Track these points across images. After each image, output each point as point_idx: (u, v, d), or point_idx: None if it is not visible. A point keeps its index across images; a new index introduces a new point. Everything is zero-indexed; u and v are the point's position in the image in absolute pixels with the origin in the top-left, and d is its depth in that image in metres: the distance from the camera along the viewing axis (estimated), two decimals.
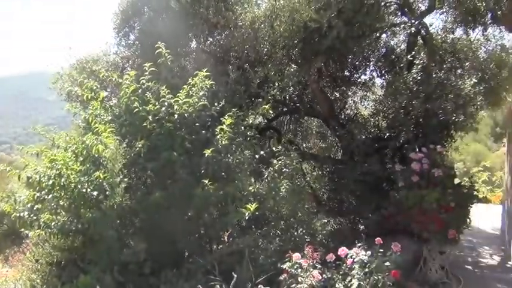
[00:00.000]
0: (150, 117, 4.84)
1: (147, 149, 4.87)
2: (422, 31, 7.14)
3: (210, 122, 5.39)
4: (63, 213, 4.87)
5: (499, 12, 6.81)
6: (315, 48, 6.25)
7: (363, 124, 7.69)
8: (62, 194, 4.72)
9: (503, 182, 9.13)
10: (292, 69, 6.25)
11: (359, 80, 9.00)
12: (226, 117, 4.96)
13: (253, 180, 5.95)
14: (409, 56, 6.87)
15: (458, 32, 8.35)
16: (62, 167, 4.67)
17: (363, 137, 7.29)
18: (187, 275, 4.63)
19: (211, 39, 7.37)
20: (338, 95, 8.83)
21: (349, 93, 9.20)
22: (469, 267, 6.71)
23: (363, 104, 9.01)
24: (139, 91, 5.01)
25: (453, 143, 7.71)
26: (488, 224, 9.62)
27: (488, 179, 14.83)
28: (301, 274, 4.01)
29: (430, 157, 5.84)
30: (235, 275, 4.28)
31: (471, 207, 5.99)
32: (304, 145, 9.51)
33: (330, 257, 4.21)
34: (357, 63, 8.71)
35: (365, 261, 4.01)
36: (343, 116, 8.34)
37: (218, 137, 4.95)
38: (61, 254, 5.20)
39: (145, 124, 4.81)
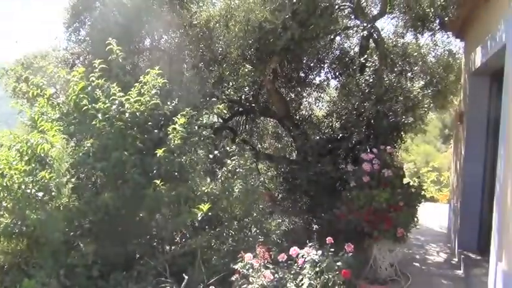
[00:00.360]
0: (99, 115, 4.70)
1: (97, 149, 4.73)
2: (375, 35, 7.32)
3: (163, 121, 5.30)
4: (7, 215, 4.65)
5: (446, 19, 7.09)
6: (270, 48, 6.27)
7: (317, 125, 7.81)
8: (5, 194, 4.52)
9: (450, 182, 9.52)
10: (246, 69, 6.25)
11: (314, 81, 9.14)
12: (179, 116, 4.89)
13: (209, 180, 5.91)
14: (361, 59, 7.02)
15: (409, 36, 8.65)
16: (5, 167, 4.47)
17: (317, 137, 7.41)
18: (137, 277, 4.53)
19: (166, 37, 7.26)
20: (293, 96, 8.92)
21: (304, 94, 9.31)
22: (417, 264, 6.94)
23: (317, 105, 9.14)
24: (89, 88, 4.85)
25: (403, 144, 7.96)
26: (436, 222, 10.00)
27: (437, 179, 15.41)
28: (253, 274, 4.02)
29: (381, 158, 5.98)
30: (186, 277, 4.23)
31: (419, 206, 6.18)
32: (260, 145, 9.55)
33: (282, 256, 4.24)
34: (311, 64, 8.84)
35: (316, 260, 4.06)
36: (298, 117, 8.43)
37: (170, 136, 4.86)
38: (4, 257, 4.95)
39: (94, 123, 4.66)
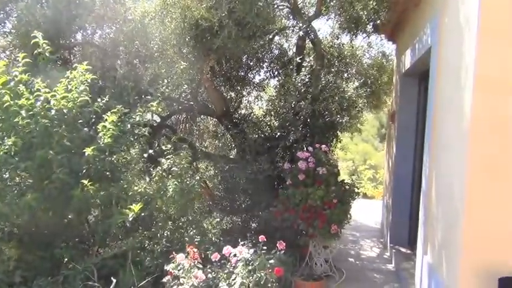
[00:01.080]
0: (23, 112, 4.41)
1: (22, 147, 4.45)
2: (311, 35, 7.43)
3: (94, 119, 5.08)
4: None
5: (378, 22, 7.32)
6: (207, 46, 6.18)
7: (256, 123, 7.79)
8: None
9: (383, 179, 9.86)
10: (182, 67, 6.10)
11: (254, 80, 9.14)
12: (109, 114, 4.70)
13: (147, 179, 5.74)
14: (297, 59, 7.09)
15: (346, 38, 8.87)
16: None
17: (255, 136, 7.39)
18: (64, 282, 4.31)
19: (99, 32, 6.97)
20: (233, 95, 8.87)
21: (244, 93, 9.28)
22: (351, 259, 7.12)
23: (257, 104, 9.14)
24: (11, 83, 4.55)
25: (339, 143, 8.14)
26: (371, 218, 10.33)
27: (373, 177, 15.95)
28: (183, 275, 3.92)
29: (316, 156, 6.07)
30: (114, 280, 4.07)
31: (353, 203, 6.33)
32: (200, 144, 9.43)
33: (215, 256, 4.17)
34: (251, 63, 8.84)
35: (248, 259, 4.03)
36: (237, 115, 8.38)
37: (100, 134, 4.66)
38: None
39: (17, 120, 4.38)
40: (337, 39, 8.54)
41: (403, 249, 6.92)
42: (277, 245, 4.28)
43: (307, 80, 6.94)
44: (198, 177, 5.65)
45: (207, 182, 7.87)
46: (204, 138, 9.59)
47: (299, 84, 6.93)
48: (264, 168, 6.74)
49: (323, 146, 6.22)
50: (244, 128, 7.69)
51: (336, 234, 5.72)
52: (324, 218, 5.60)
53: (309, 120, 6.87)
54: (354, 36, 8.20)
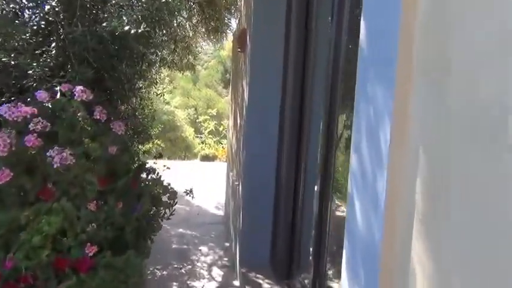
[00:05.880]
0: None
1: None
2: None
3: None
4: None
5: None
6: None
7: None
8: None
9: (227, 143, 6.36)
10: None
11: None
12: None
13: None
14: None
15: None
16: None
17: None
18: None
19: None
20: None
21: None
22: None
23: None
24: None
25: (154, 85, 4.38)
26: (212, 197, 6.84)
27: (215, 129, 12.49)
28: None
29: (53, 115, 2.20)
30: None
31: (151, 242, 2.61)
32: None
33: None
34: None
35: None
36: None
37: None
38: None
39: None
40: None
41: (264, 282, 3.52)
42: None
43: None
44: None
45: None
46: None
47: None
48: None
49: (79, 88, 2.34)
50: None
51: None
52: None
53: (62, 29, 2.84)
54: None
